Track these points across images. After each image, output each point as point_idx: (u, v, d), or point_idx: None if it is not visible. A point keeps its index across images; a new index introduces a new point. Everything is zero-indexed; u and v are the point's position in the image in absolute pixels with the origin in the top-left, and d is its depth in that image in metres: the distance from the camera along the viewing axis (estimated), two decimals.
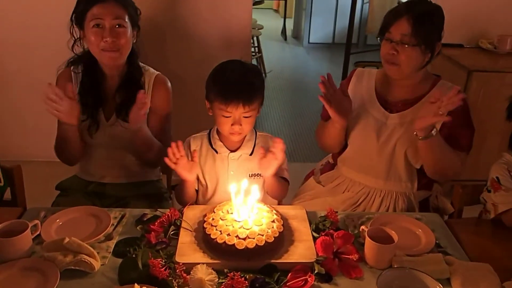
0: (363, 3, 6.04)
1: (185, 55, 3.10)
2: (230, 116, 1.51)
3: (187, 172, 1.54)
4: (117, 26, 1.65)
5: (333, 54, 6.76)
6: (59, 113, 1.57)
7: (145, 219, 1.50)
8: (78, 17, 1.68)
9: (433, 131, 1.57)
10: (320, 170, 2.03)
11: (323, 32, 7.02)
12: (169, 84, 1.83)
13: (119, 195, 1.83)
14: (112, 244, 1.38)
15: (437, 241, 1.45)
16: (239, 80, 1.50)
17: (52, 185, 1.93)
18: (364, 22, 6.15)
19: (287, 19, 7.57)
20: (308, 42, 7.05)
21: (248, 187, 1.41)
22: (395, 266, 1.30)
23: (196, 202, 1.70)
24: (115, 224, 1.47)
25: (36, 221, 1.35)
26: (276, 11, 9.18)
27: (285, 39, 7.52)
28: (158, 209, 1.55)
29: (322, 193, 1.87)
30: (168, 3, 2.99)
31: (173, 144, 1.49)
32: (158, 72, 1.83)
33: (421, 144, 1.62)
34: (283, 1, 7.72)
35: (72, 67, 1.79)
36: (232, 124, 1.53)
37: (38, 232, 1.36)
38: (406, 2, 1.67)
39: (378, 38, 1.73)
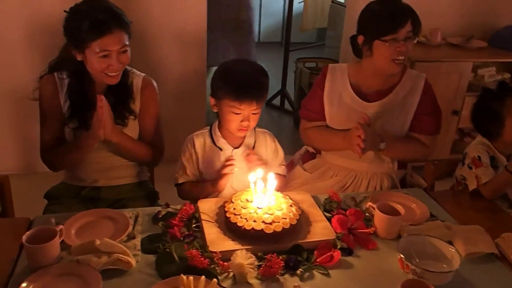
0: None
1: (140, 56, 3.04)
2: (240, 113, 1.58)
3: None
4: (122, 51, 1.62)
5: (260, 52, 6.84)
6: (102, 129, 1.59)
7: (160, 216, 1.51)
8: (79, 43, 1.59)
9: (380, 145, 1.78)
10: (301, 159, 2.14)
11: None
12: (155, 84, 1.84)
13: (114, 198, 1.80)
14: (137, 242, 1.39)
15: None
16: (253, 79, 1.57)
17: (34, 196, 1.84)
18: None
19: None
20: None
21: (265, 175, 1.48)
22: (404, 235, 1.45)
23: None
24: (132, 223, 1.46)
25: (61, 226, 1.31)
26: None
27: None
28: (170, 206, 1.56)
29: (310, 179, 1.98)
30: (120, 3, 2.92)
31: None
32: (144, 74, 1.82)
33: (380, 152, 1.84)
34: None
35: (56, 73, 1.72)
36: (241, 121, 1.59)
37: (61, 238, 1.31)
38: (394, 1, 1.79)
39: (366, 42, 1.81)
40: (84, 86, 1.69)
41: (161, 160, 1.85)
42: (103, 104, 1.57)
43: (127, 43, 1.63)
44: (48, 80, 1.72)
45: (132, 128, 1.77)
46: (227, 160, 1.63)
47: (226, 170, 1.60)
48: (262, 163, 1.65)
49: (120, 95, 1.73)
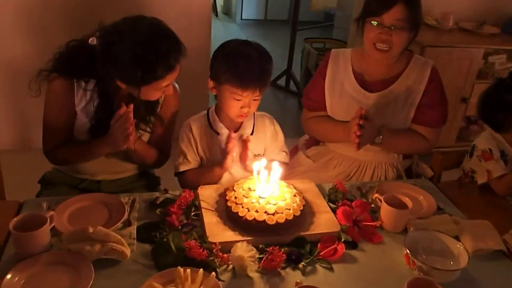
0: None
1: None
2: (241, 99, 1.50)
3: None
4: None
5: (266, 30, 6.79)
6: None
7: (158, 202, 1.46)
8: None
9: (376, 140, 1.70)
10: (305, 145, 2.07)
11: (256, 8, 7.01)
12: (177, 85, 1.69)
13: (114, 191, 1.70)
14: (133, 230, 1.33)
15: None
16: (258, 66, 1.48)
17: (28, 173, 1.78)
18: None
19: None
20: (241, 19, 7.01)
21: (268, 164, 1.41)
22: (411, 229, 1.40)
23: None
24: (128, 210, 1.41)
25: (52, 212, 1.25)
26: None
27: (216, 15, 7.41)
28: (169, 192, 1.50)
29: (313, 168, 1.91)
30: None
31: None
32: None
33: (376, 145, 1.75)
34: None
35: (75, 81, 1.53)
36: (241, 107, 1.52)
37: (52, 224, 1.26)
38: None
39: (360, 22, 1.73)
40: (115, 103, 1.55)
41: (165, 163, 1.75)
42: (130, 114, 1.46)
43: None
44: (61, 86, 1.53)
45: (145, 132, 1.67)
46: (229, 139, 1.54)
47: (229, 148, 1.52)
48: (255, 157, 1.61)
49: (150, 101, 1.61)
